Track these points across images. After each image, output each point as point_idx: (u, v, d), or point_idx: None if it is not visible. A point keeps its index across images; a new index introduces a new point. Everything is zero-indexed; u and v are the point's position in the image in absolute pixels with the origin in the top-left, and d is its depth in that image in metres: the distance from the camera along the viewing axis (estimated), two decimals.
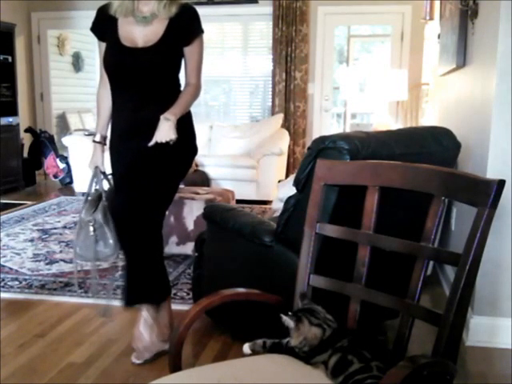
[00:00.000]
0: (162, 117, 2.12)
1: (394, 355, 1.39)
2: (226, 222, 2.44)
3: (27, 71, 7.50)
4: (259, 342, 1.54)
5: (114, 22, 2.23)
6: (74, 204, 5.72)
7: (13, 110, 6.56)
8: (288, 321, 1.46)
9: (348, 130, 8.37)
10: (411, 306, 1.40)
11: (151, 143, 2.12)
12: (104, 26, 2.27)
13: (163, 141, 2.09)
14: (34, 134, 7.04)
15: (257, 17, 6.88)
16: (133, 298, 2.34)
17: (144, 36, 2.20)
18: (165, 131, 2.10)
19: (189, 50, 2.25)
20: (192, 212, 3.70)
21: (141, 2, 2.19)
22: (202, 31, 2.26)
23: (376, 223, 1.50)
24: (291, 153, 6.65)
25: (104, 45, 2.29)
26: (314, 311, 1.49)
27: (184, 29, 2.21)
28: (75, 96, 8.98)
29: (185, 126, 2.24)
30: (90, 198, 2.34)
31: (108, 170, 2.39)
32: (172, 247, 3.73)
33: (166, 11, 2.17)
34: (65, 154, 6.66)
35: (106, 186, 2.37)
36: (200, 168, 5.58)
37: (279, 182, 4.71)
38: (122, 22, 2.22)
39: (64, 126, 8.54)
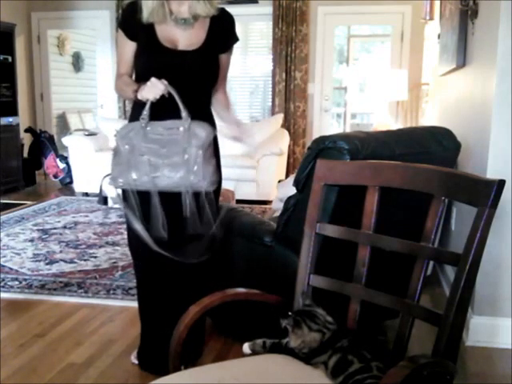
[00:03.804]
0: (235, 119, 2.23)
1: (394, 355, 1.39)
2: (226, 222, 2.44)
3: (27, 71, 7.50)
4: (259, 341, 1.55)
5: (148, 22, 2.05)
6: (73, 204, 5.72)
7: (13, 110, 6.56)
8: (286, 324, 1.46)
9: (348, 130, 8.38)
10: (411, 305, 1.40)
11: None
12: (136, 24, 2.07)
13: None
14: (34, 134, 7.04)
15: (257, 17, 6.88)
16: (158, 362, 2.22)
17: (185, 39, 2.07)
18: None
19: (225, 57, 2.18)
20: None
21: (173, 3, 2.05)
22: (238, 39, 2.19)
23: (376, 223, 1.50)
24: (291, 153, 6.66)
25: (131, 45, 2.11)
26: (314, 315, 1.49)
27: (224, 35, 2.14)
28: (75, 96, 9.00)
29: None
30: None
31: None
32: None
33: (204, 8, 2.04)
34: (65, 154, 6.66)
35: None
36: None
37: (279, 181, 4.70)
38: (158, 23, 2.07)
39: (64, 126, 8.55)
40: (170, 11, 2.05)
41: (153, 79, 1.93)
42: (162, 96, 1.92)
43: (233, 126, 2.20)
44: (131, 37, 2.11)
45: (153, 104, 1.94)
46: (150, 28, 2.06)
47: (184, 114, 1.91)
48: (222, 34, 2.13)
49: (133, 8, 2.08)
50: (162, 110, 1.93)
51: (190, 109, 2.04)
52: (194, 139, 1.88)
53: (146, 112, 1.94)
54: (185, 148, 1.87)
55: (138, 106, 1.99)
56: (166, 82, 1.92)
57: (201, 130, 1.90)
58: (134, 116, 2.04)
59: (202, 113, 2.13)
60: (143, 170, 1.90)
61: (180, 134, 1.90)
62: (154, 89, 1.91)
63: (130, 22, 2.10)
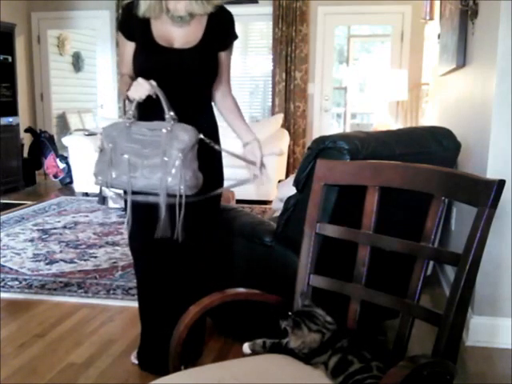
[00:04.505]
0: (251, 140, 2.20)
1: (394, 355, 1.39)
2: (226, 222, 2.44)
3: (27, 71, 7.50)
4: (259, 341, 1.55)
5: (145, 21, 2.05)
6: (73, 204, 5.72)
7: (13, 110, 6.56)
8: (286, 325, 1.46)
9: (348, 130, 8.38)
10: (411, 305, 1.40)
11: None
12: (133, 24, 2.08)
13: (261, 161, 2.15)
14: (34, 134, 7.04)
15: (257, 17, 6.88)
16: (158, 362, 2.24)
17: (181, 37, 2.05)
18: (261, 154, 2.17)
19: (224, 56, 2.14)
20: None
21: (171, 2, 2.03)
22: (237, 36, 2.16)
23: (376, 223, 1.50)
24: (291, 153, 6.66)
25: (130, 45, 2.11)
26: (314, 316, 1.48)
27: (222, 32, 2.11)
28: (75, 96, 9.00)
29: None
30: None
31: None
32: None
33: (201, 7, 2.02)
34: (65, 154, 6.66)
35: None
36: None
37: (279, 181, 4.70)
38: (155, 21, 2.05)
39: (64, 126, 8.55)
40: (166, 9, 2.04)
41: (139, 79, 1.93)
42: (157, 106, 1.89)
43: (248, 152, 2.20)
44: (129, 37, 2.11)
45: (149, 103, 1.92)
46: (146, 27, 2.06)
47: (168, 115, 1.87)
48: (220, 31, 2.10)
49: (129, 8, 2.09)
50: (158, 109, 1.91)
51: (189, 108, 2.04)
52: (176, 142, 1.84)
53: (131, 112, 1.93)
54: (165, 150, 1.85)
55: (141, 105, 1.98)
56: (154, 83, 1.90)
57: (183, 133, 1.86)
58: (139, 115, 2.02)
59: (201, 112, 2.13)
60: (123, 169, 1.88)
61: (162, 136, 1.87)
62: (140, 88, 1.91)
63: (127, 23, 2.11)
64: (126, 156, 1.88)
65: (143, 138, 1.90)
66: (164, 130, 1.86)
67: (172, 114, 1.87)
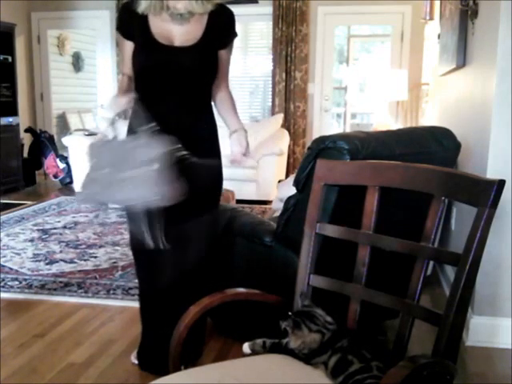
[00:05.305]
0: (238, 129, 2.16)
1: (394, 355, 1.39)
2: (226, 222, 2.44)
3: (27, 71, 7.50)
4: (259, 341, 1.55)
5: (143, 18, 2.04)
6: (74, 204, 5.72)
7: (13, 110, 6.56)
8: (286, 326, 1.46)
9: (348, 130, 8.38)
10: (411, 306, 1.40)
11: (234, 158, 2.13)
12: (131, 23, 2.07)
13: (244, 153, 2.13)
14: (34, 134, 7.04)
15: (257, 17, 6.88)
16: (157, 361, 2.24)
17: (181, 35, 2.04)
18: (246, 143, 2.15)
19: (224, 54, 2.14)
20: None
21: (170, 2, 2.03)
22: (237, 34, 2.16)
23: (376, 223, 1.50)
24: (291, 153, 6.66)
25: (129, 44, 2.11)
26: (314, 316, 1.49)
27: (222, 31, 2.10)
28: (75, 96, 9.00)
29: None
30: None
31: None
32: None
33: (201, 6, 2.02)
34: (65, 154, 6.66)
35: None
36: None
37: (279, 182, 4.70)
38: (153, 19, 2.04)
39: (64, 126, 8.55)
40: (167, 7, 2.04)
41: (114, 96, 1.96)
42: (157, 105, 1.92)
43: (234, 140, 2.19)
44: (127, 36, 2.11)
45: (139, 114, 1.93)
46: (145, 25, 2.05)
47: (145, 128, 1.87)
48: (220, 29, 2.10)
49: (127, 7, 2.09)
50: (148, 119, 1.91)
51: (189, 107, 2.04)
52: (154, 154, 1.84)
53: (112, 125, 1.94)
54: (140, 162, 1.84)
55: (133, 116, 1.99)
56: (132, 96, 1.92)
57: (160, 145, 1.85)
58: (130, 125, 2.03)
59: (201, 112, 2.13)
60: (104, 182, 1.89)
61: (141, 149, 1.87)
62: (113, 106, 1.95)
63: (126, 22, 2.11)
64: (107, 170, 1.90)
65: (122, 152, 1.91)
66: (142, 142, 1.87)
67: (152, 125, 1.88)
